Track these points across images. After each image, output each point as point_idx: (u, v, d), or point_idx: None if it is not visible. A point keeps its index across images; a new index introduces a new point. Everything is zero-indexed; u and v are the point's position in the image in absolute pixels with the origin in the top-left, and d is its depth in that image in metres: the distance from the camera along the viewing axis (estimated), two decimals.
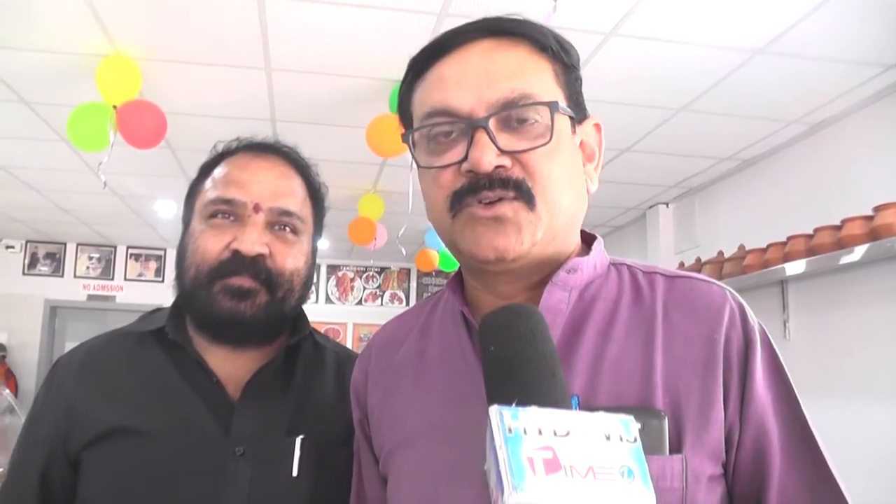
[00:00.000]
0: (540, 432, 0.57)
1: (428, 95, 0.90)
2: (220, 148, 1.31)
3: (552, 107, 0.86)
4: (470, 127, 0.85)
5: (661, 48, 3.19)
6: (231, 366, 1.21)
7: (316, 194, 1.32)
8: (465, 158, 0.85)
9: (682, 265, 5.20)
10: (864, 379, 3.63)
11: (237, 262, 1.17)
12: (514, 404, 0.58)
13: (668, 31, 3.05)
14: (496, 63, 0.87)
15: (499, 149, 0.84)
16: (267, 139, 1.31)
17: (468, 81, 0.87)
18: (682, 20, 2.95)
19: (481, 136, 0.84)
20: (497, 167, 0.84)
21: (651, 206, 5.91)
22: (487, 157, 0.83)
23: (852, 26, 2.95)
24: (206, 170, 1.29)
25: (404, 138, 0.95)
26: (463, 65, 0.88)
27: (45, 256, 8.38)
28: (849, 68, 3.34)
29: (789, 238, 3.94)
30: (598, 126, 0.98)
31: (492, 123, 0.84)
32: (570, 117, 0.91)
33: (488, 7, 2.83)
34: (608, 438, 0.59)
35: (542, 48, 0.90)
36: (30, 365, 7.94)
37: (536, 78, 0.88)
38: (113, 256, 8.52)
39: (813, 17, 2.88)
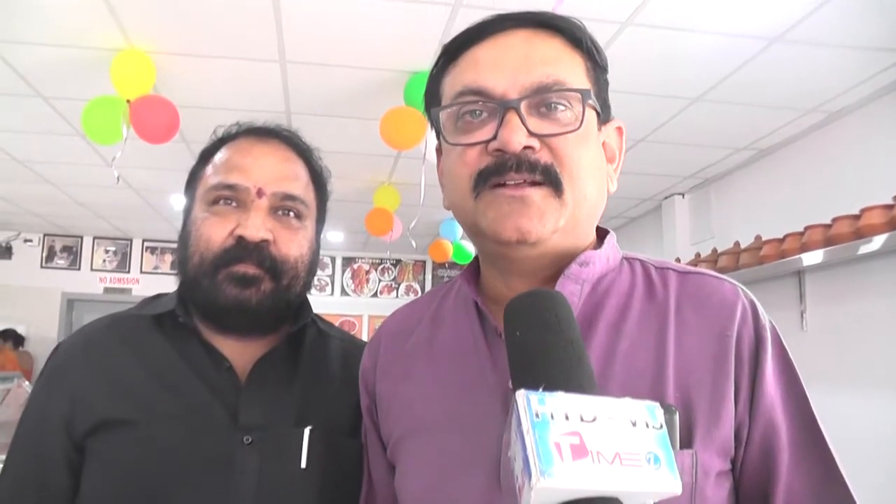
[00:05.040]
0: (567, 417, 0.56)
1: (461, 76, 0.91)
2: (220, 133, 1.29)
3: (584, 94, 0.88)
4: (501, 107, 0.86)
5: (677, 37, 3.16)
6: (236, 355, 1.20)
7: (318, 179, 1.30)
8: (494, 138, 0.86)
9: (697, 256, 5.17)
10: (882, 371, 3.59)
11: (241, 248, 1.15)
12: (540, 389, 0.58)
13: (684, 20, 3.02)
14: (534, 50, 0.89)
15: (529, 131, 0.85)
16: (268, 123, 1.29)
17: (505, 64, 0.88)
18: (698, 8, 2.93)
19: (512, 117, 0.85)
20: (525, 148, 0.85)
21: (667, 197, 5.88)
22: (517, 137, 0.84)
23: (870, 14, 2.92)
24: (206, 155, 1.27)
25: (431, 116, 0.96)
26: (500, 50, 0.90)
27: (62, 250, 8.45)
28: (867, 56, 3.30)
29: (807, 228, 3.90)
30: (620, 130, 1.00)
31: (523, 106, 0.86)
32: (597, 113, 0.93)
33: None
34: (634, 425, 0.58)
35: (577, 42, 0.92)
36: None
37: (570, 68, 0.90)
38: (129, 249, 8.59)
39: (831, 4, 2.84)
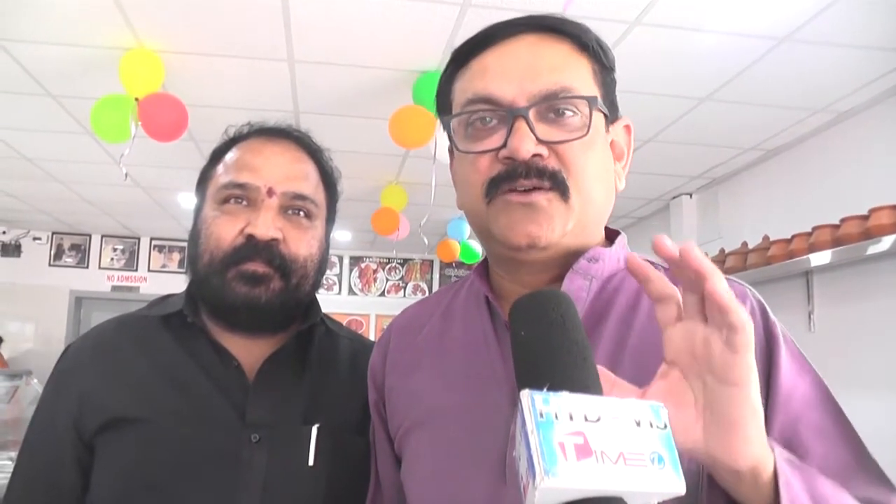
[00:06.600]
0: (571, 417, 0.56)
1: (470, 84, 0.93)
2: (231, 132, 1.30)
3: (591, 101, 0.89)
4: (510, 115, 0.87)
5: (685, 37, 3.16)
6: (245, 353, 1.21)
7: (329, 179, 1.31)
8: (504, 146, 0.87)
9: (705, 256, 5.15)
10: (891, 372, 3.58)
11: (251, 247, 1.16)
12: (545, 389, 0.58)
13: (693, 20, 3.02)
14: (540, 57, 0.90)
15: (537, 138, 0.87)
16: (279, 123, 1.30)
17: (512, 72, 0.89)
18: (707, 8, 2.92)
19: (521, 125, 0.86)
20: (534, 156, 0.86)
21: (674, 197, 5.87)
22: (526, 145, 0.85)
23: (879, 14, 2.91)
24: (217, 155, 1.28)
25: (443, 123, 0.97)
26: (508, 57, 0.91)
27: (71, 248, 8.47)
28: (876, 56, 3.29)
29: (815, 228, 3.88)
30: (628, 127, 1.01)
31: (531, 114, 0.87)
32: (605, 115, 0.94)
33: None
34: (638, 424, 0.58)
35: (583, 46, 0.93)
36: (55, 356, 7.96)
37: (577, 74, 0.91)
38: (137, 248, 8.60)
39: (840, 3, 2.84)
